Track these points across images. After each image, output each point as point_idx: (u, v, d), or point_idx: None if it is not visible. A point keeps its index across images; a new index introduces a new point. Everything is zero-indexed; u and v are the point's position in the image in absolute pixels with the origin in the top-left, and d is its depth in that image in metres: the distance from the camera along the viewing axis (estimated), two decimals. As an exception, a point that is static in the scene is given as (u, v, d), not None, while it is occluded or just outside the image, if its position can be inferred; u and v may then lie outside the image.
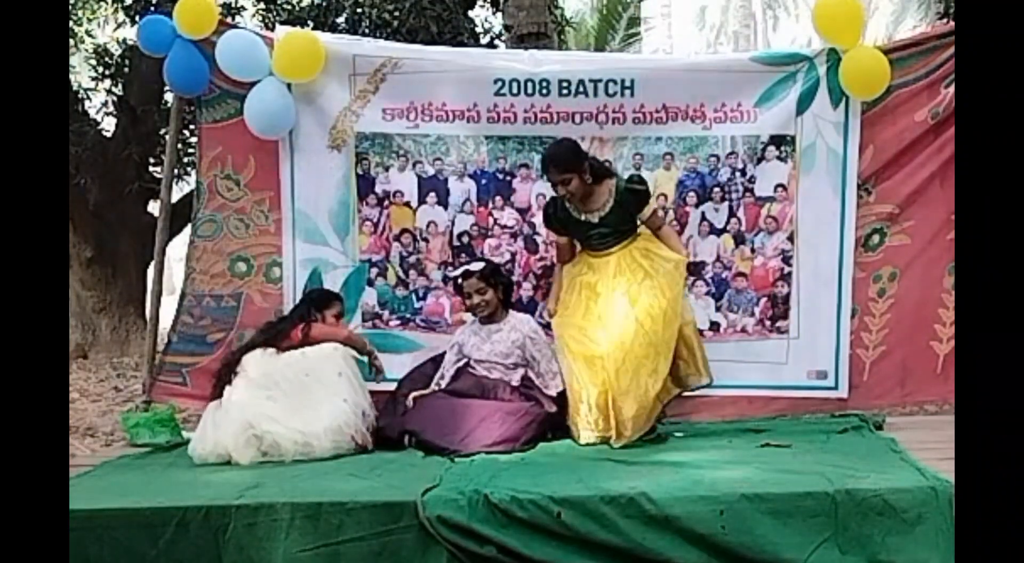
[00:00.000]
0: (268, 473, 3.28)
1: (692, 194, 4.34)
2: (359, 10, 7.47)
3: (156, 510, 2.85)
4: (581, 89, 4.23)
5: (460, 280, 4.08)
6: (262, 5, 8.01)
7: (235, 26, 4.56)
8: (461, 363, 4.07)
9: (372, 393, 4.30)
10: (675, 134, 4.31)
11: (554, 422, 3.84)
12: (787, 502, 2.78)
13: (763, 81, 4.25)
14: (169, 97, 6.07)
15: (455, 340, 4.16)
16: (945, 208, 4.14)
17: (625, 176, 4.03)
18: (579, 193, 3.90)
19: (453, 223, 4.39)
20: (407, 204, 4.39)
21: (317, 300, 4.12)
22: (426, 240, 4.40)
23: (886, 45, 4.41)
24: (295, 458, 3.48)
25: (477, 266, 4.07)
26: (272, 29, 5.61)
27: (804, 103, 4.24)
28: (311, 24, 7.28)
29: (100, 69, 8.09)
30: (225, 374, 3.80)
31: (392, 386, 4.28)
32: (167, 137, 4.75)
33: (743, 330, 4.38)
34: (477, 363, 4.03)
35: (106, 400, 6.47)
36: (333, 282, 4.39)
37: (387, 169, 4.37)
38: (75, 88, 8.14)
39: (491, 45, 7.83)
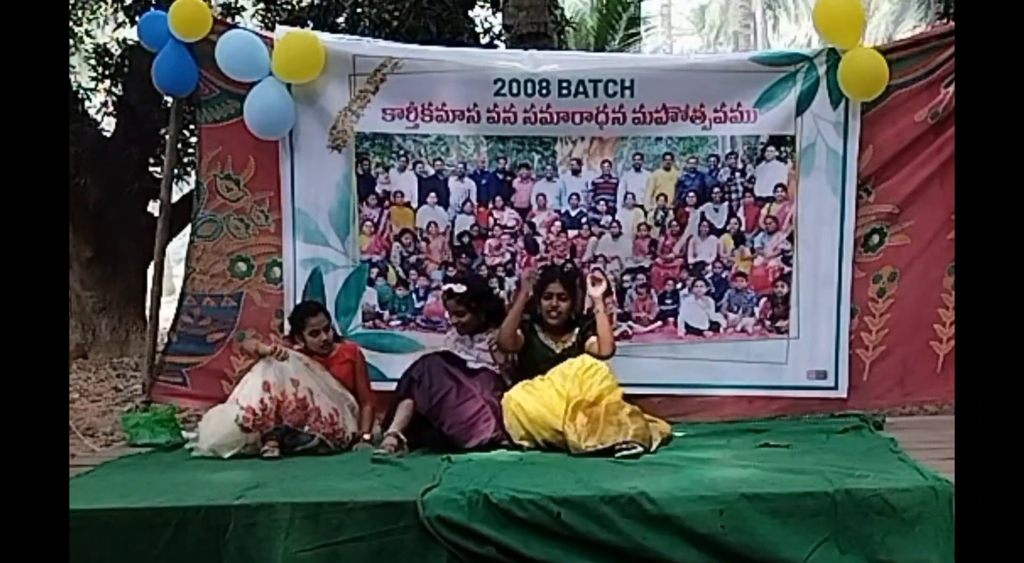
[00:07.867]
0: (268, 473, 3.28)
1: (692, 194, 4.34)
2: (359, 10, 7.47)
3: (156, 510, 2.86)
4: (581, 89, 4.23)
5: (445, 296, 4.14)
6: (262, 5, 8.00)
7: (234, 26, 4.56)
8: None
9: (376, 393, 4.32)
10: (675, 134, 4.31)
11: None
12: (787, 502, 2.79)
13: (763, 81, 4.25)
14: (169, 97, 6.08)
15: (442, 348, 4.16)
16: (945, 208, 4.13)
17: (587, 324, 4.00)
18: (563, 318, 3.99)
19: (453, 223, 4.39)
20: (407, 204, 4.39)
21: (292, 319, 4.14)
22: (426, 240, 4.40)
23: (885, 45, 4.42)
24: None
25: (460, 289, 4.10)
26: (272, 29, 5.61)
27: (804, 103, 4.24)
28: (311, 24, 7.27)
29: (100, 69, 8.07)
30: None
31: (392, 386, 4.28)
32: (167, 137, 4.75)
33: (743, 330, 4.38)
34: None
35: (106, 400, 6.47)
36: (333, 282, 4.40)
37: (387, 169, 4.37)
38: (75, 88, 8.13)
39: (491, 45, 7.81)
